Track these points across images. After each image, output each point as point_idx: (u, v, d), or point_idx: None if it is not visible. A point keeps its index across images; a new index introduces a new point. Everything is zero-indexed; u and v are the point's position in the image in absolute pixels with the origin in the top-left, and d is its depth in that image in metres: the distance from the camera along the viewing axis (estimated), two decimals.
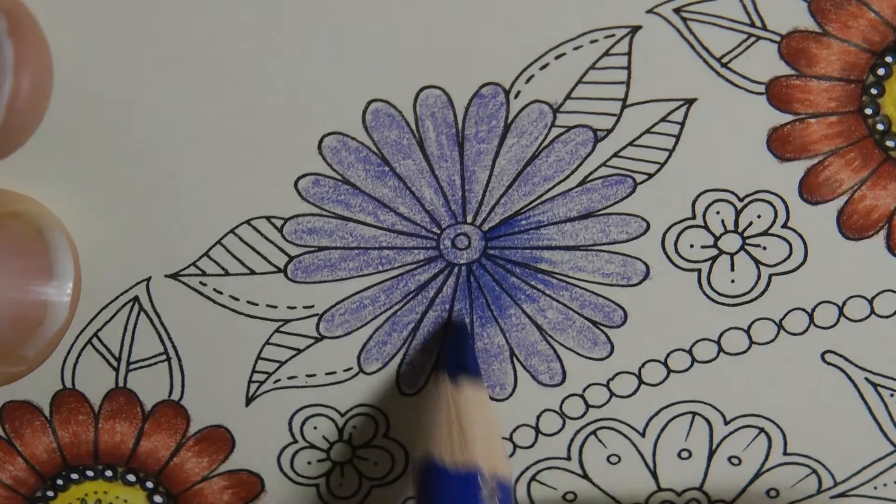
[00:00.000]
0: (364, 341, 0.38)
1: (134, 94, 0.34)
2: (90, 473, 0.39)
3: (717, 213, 0.36)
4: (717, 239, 0.37)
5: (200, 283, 0.37)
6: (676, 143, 0.36)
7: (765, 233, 0.37)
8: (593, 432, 0.40)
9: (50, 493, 0.40)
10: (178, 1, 0.33)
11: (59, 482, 0.40)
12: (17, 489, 0.40)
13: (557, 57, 0.35)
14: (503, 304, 0.38)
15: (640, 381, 0.39)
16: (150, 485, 0.40)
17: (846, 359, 0.39)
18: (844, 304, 0.38)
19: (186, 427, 0.39)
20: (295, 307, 0.37)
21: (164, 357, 0.38)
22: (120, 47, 0.34)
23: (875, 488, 0.42)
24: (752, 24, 0.34)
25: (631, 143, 0.36)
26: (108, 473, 0.39)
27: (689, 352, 0.39)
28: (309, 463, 0.40)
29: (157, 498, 0.40)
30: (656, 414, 0.40)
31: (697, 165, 0.36)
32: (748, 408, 0.40)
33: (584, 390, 0.39)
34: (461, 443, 0.35)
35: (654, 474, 0.41)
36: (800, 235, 0.37)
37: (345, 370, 0.38)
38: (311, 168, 0.35)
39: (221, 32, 0.34)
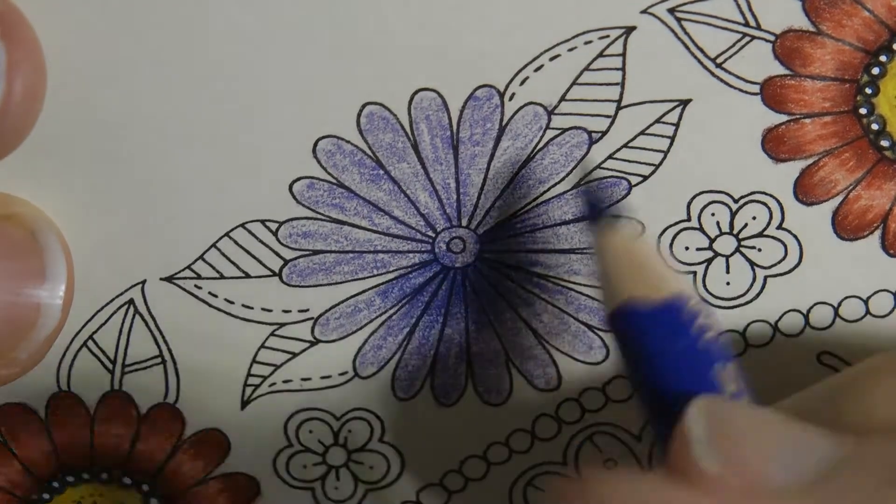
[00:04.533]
0: (359, 345, 0.38)
1: (128, 98, 0.34)
2: (86, 476, 0.39)
3: (713, 214, 0.36)
4: (712, 241, 0.37)
5: (195, 286, 0.37)
6: (671, 144, 0.36)
7: (760, 234, 0.37)
8: (589, 437, 0.40)
9: (46, 496, 0.40)
10: (171, 4, 0.33)
11: (55, 485, 0.39)
12: (12, 492, 0.39)
13: (552, 58, 0.35)
14: (498, 308, 0.38)
15: None
16: (145, 488, 0.40)
17: (842, 360, 0.39)
18: (840, 304, 0.38)
19: (182, 430, 0.39)
20: (290, 311, 0.37)
21: (159, 360, 0.38)
22: (113, 50, 0.34)
23: None
24: (747, 24, 0.34)
25: (625, 145, 0.36)
26: (104, 476, 0.39)
27: None
28: (304, 467, 0.40)
29: (153, 501, 0.40)
30: None
31: (692, 167, 0.36)
32: None
33: (579, 395, 0.39)
34: (657, 275, 0.34)
35: None
36: (795, 236, 0.37)
37: (340, 374, 0.38)
38: (305, 171, 0.35)
39: (216, 36, 0.34)
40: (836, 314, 0.38)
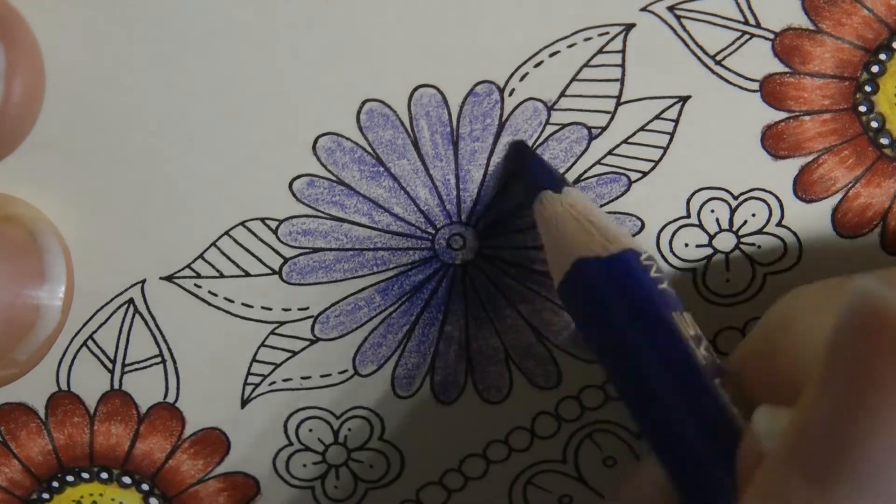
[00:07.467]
0: (359, 343, 0.38)
1: (127, 97, 0.34)
2: (86, 476, 0.39)
3: (712, 211, 0.36)
4: (711, 238, 0.37)
5: (195, 285, 0.37)
6: (671, 140, 0.36)
7: (759, 231, 0.37)
8: (589, 435, 0.40)
9: (45, 496, 0.40)
10: (170, 3, 0.33)
11: (55, 484, 0.39)
12: (12, 491, 0.39)
13: (552, 55, 0.35)
14: (498, 305, 0.38)
15: None
16: (145, 487, 0.40)
17: None
18: None
19: (182, 429, 0.39)
20: (290, 309, 0.37)
21: (159, 359, 0.38)
22: (112, 50, 0.34)
23: None
24: (746, 22, 0.34)
25: (625, 141, 0.36)
26: (104, 476, 0.39)
27: None
28: (304, 465, 0.40)
29: (153, 500, 0.40)
30: None
31: (692, 163, 0.36)
32: None
33: (579, 392, 0.39)
34: (604, 234, 0.34)
35: None
36: (794, 234, 0.37)
37: (340, 372, 0.38)
38: (305, 169, 0.35)
39: (214, 34, 0.34)
40: None
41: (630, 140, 0.36)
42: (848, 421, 0.24)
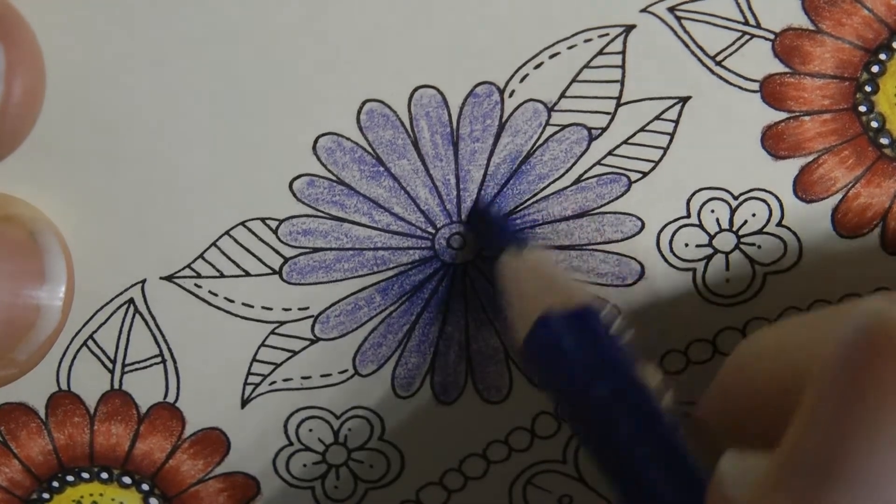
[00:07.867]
0: (359, 343, 0.38)
1: (127, 97, 0.34)
2: (86, 476, 0.39)
3: (712, 211, 0.36)
4: (711, 238, 0.37)
5: (195, 284, 0.37)
6: (671, 141, 0.36)
7: (759, 231, 0.37)
8: None
9: (45, 496, 0.40)
10: (170, 3, 0.33)
11: (55, 484, 0.39)
12: (12, 491, 0.39)
13: (552, 56, 0.35)
14: (498, 305, 0.38)
15: None
16: (145, 487, 0.40)
17: None
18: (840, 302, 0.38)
19: (182, 429, 0.39)
20: (290, 309, 0.37)
21: (159, 359, 0.38)
22: (112, 50, 0.34)
23: None
24: (746, 23, 0.34)
25: (625, 142, 0.36)
26: (104, 476, 0.39)
27: (685, 353, 0.39)
28: (304, 465, 0.40)
29: (153, 500, 0.40)
30: None
31: (692, 164, 0.36)
32: None
33: None
34: (565, 290, 0.34)
35: None
36: (794, 234, 0.37)
37: (340, 372, 0.38)
38: (305, 169, 0.35)
39: (215, 34, 0.34)
40: None
41: (630, 141, 0.36)
42: (846, 431, 0.24)
